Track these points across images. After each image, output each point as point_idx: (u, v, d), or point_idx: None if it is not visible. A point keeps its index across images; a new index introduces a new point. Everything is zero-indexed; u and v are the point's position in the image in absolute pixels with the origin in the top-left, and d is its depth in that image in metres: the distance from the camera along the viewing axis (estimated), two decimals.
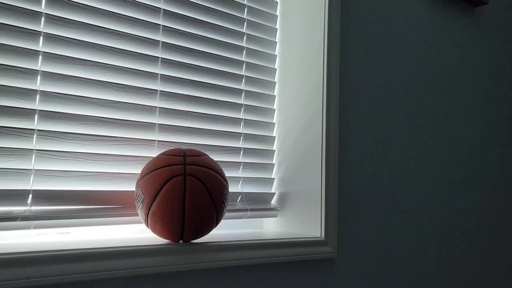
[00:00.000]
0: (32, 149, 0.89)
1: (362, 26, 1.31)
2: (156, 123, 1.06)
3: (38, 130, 0.90)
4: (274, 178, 1.29)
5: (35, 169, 0.89)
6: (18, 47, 0.88)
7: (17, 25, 0.89)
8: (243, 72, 1.24)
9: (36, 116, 0.89)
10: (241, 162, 1.21)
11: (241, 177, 1.21)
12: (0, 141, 0.86)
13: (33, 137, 0.89)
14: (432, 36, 1.52)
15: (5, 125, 0.87)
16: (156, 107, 1.06)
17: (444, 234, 1.54)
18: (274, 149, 1.30)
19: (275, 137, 1.29)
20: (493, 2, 1.78)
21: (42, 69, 0.91)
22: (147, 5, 1.06)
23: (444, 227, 1.53)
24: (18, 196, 0.86)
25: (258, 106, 1.26)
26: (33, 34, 0.90)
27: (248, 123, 1.23)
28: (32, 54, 0.90)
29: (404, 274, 1.39)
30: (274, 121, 1.30)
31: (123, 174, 1.00)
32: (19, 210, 0.86)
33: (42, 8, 0.92)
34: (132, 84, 1.03)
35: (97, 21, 0.99)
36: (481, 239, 1.68)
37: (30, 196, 0.87)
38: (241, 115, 1.23)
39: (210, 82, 1.16)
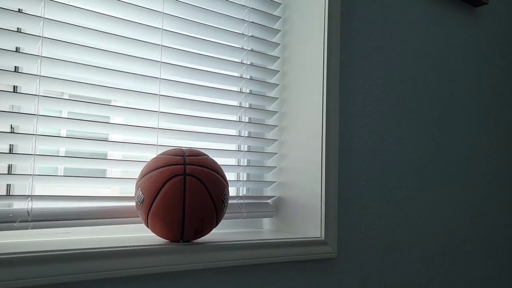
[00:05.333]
0: (32, 154, 0.89)
1: (362, 27, 1.31)
2: (156, 128, 1.06)
3: (38, 135, 0.90)
4: (274, 179, 1.29)
5: (34, 174, 0.89)
6: (18, 52, 0.88)
7: (17, 28, 0.89)
8: (244, 74, 1.24)
9: (36, 120, 0.90)
10: (241, 166, 1.21)
11: (241, 180, 1.21)
12: (0, 144, 0.87)
13: (33, 142, 0.89)
14: (432, 36, 1.52)
15: (5, 130, 0.87)
16: (157, 111, 1.06)
17: (445, 234, 1.53)
18: (274, 151, 1.30)
19: (276, 140, 1.29)
20: (493, 2, 1.78)
21: (42, 74, 0.91)
22: (148, 9, 1.05)
23: (444, 226, 1.53)
24: (17, 199, 0.86)
25: (259, 108, 1.26)
26: (33, 38, 0.90)
27: (249, 125, 1.23)
28: (32, 57, 0.90)
29: (404, 274, 1.39)
30: (275, 124, 1.30)
31: (123, 178, 1.00)
32: (18, 213, 0.86)
33: (42, 14, 0.92)
34: (132, 89, 1.03)
35: (98, 24, 1.00)
36: (482, 238, 1.68)
37: (29, 199, 0.87)
38: (240, 114, 1.23)
39: (211, 86, 1.16)
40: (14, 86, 0.94)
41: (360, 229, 1.27)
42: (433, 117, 1.51)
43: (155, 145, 1.05)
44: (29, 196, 0.87)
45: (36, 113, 0.90)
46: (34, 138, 0.89)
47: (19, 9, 0.94)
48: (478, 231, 1.65)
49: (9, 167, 0.93)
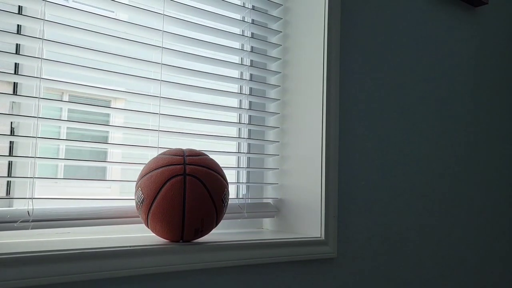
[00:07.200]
0: (33, 157, 0.89)
1: (362, 27, 1.31)
2: (157, 130, 1.06)
3: (39, 137, 0.90)
4: (275, 181, 1.29)
5: (35, 177, 0.89)
6: (20, 54, 0.89)
7: (17, 26, 0.90)
8: (245, 76, 1.24)
9: (37, 121, 0.90)
10: (243, 167, 1.22)
11: (242, 182, 1.21)
12: (1, 146, 0.87)
13: (34, 145, 0.90)
14: (432, 36, 1.52)
15: (6, 130, 0.88)
16: (158, 113, 1.06)
17: (444, 234, 1.53)
18: (275, 153, 1.30)
19: (278, 141, 1.29)
20: (493, 2, 1.78)
21: (43, 76, 0.92)
22: (149, 11, 1.06)
23: (444, 226, 1.53)
24: (17, 201, 0.87)
25: (260, 110, 1.26)
26: (34, 39, 0.91)
27: (250, 126, 1.23)
28: (33, 60, 0.90)
29: (404, 274, 1.39)
30: (276, 125, 1.30)
31: (123, 181, 1.01)
32: (18, 213, 0.86)
33: (43, 15, 0.93)
34: (134, 91, 1.03)
35: (99, 25, 1.00)
36: (482, 238, 1.68)
37: (30, 202, 0.87)
38: (241, 113, 1.23)
39: (212, 88, 1.16)
40: (14, 87, 0.94)
41: (360, 229, 1.27)
42: (433, 116, 1.51)
43: (156, 147, 1.05)
44: (29, 198, 0.87)
45: (36, 115, 0.90)
46: (35, 140, 0.90)
47: (19, 6, 0.95)
48: (480, 231, 1.65)
49: (9, 168, 0.93)
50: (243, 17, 1.26)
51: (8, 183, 0.93)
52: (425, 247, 1.45)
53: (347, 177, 1.24)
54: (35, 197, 0.89)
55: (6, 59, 0.88)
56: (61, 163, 0.96)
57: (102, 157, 1.09)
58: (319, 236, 1.15)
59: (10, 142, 0.93)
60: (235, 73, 1.28)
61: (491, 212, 1.70)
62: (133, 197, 0.98)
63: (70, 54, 0.96)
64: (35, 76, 0.90)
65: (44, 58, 0.91)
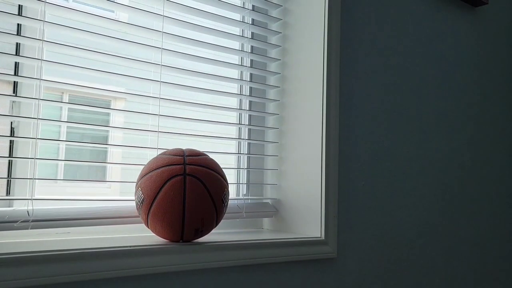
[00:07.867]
0: (33, 158, 0.89)
1: (362, 27, 1.31)
2: (157, 131, 1.06)
3: (39, 138, 0.90)
4: (274, 181, 1.29)
5: (35, 178, 0.89)
6: (21, 56, 0.89)
7: (17, 26, 0.90)
8: (245, 77, 1.24)
9: (37, 122, 0.90)
10: (244, 167, 1.21)
11: (242, 183, 1.21)
12: (1, 146, 0.87)
13: (34, 145, 0.90)
14: (432, 36, 1.52)
15: (6, 131, 0.88)
16: (157, 114, 1.06)
17: (445, 234, 1.53)
18: (275, 154, 1.30)
19: (277, 142, 1.29)
20: (493, 2, 1.78)
21: (43, 77, 0.92)
22: (149, 12, 1.06)
23: (444, 226, 1.53)
24: (17, 202, 0.87)
25: (260, 111, 1.26)
26: (34, 39, 0.91)
27: (249, 126, 1.23)
28: (33, 59, 0.90)
29: (404, 274, 1.39)
30: (275, 126, 1.30)
31: (123, 181, 1.01)
32: (18, 213, 0.86)
33: (43, 16, 0.93)
34: (134, 91, 1.04)
35: (100, 25, 1.00)
36: (483, 238, 1.67)
37: (30, 202, 0.87)
38: (241, 113, 1.23)
39: (211, 89, 1.16)
40: (14, 87, 0.94)
41: (360, 229, 1.27)
42: (433, 116, 1.51)
43: (156, 148, 1.05)
44: (29, 199, 0.87)
45: (36, 116, 0.90)
46: (35, 140, 0.90)
47: (19, 6, 0.95)
48: (481, 231, 1.65)
49: (9, 168, 0.93)
50: (243, 18, 1.26)
51: (8, 183, 0.93)
52: (425, 247, 1.45)
53: (347, 177, 1.24)
54: (35, 197, 0.90)
55: (6, 59, 0.88)
56: (61, 163, 0.96)
57: (102, 157, 1.09)
58: (319, 236, 1.15)
59: (10, 142, 0.93)
60: (235, 73, 1.28)
61: (492, 212, 1.70)
62: (133, 197, 0.97)
63: (70, 54, 0.96)
64: (35, 76, 0.90)
65: (44, 58, 0.91)
